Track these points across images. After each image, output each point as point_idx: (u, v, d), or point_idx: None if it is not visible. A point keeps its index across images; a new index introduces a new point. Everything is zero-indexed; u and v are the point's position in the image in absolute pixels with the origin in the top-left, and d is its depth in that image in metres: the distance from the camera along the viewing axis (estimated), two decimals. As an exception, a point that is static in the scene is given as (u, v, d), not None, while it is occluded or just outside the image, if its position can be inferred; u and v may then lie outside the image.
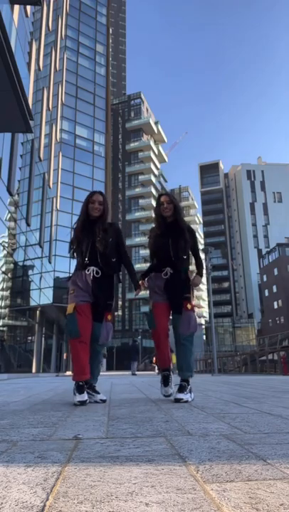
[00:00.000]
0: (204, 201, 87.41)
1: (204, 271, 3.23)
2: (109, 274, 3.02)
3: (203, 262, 3.48)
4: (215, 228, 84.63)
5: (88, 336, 2.86)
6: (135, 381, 7.30)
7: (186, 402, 2.84)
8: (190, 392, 2.95)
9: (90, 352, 2.91)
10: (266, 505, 0.80)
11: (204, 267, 3.50)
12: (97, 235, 2.96)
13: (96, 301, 2.96)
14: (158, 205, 3.22)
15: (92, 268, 2.95)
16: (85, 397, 2.71)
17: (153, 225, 3.38)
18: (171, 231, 3.14)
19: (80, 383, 2.78)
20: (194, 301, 3.26)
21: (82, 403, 2.67)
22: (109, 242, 2.98)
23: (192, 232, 3.23)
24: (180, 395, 2.85)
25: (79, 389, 2.76)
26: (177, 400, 2.82)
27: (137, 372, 18.74)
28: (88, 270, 2.95)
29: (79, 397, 2.71)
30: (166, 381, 3.11)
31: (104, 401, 2.90)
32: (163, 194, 3.25)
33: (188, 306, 3.07)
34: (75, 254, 3.06)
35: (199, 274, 3.24)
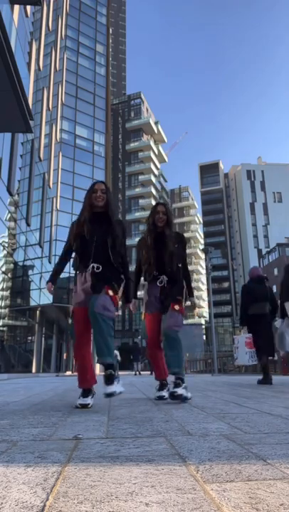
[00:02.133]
0: (204, 201, 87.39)
1: (204, 271, 3.23)
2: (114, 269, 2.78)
3: (203, 262, 3.51)
4: (215, 228, 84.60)
5: (87, 341, 2.78)
6: (135, 381, 7.30)
7: (182, 396, 2.78)
8: (185, 389, 2.90)
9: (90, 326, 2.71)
10: (266, 505, 0.80)
11: (191, 280, 3.44)
12: (109, 229, 2.77)
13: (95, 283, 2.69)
14: (153, 213, 3.25)
15: (92, 265, 2.72)
16: (87, 400, 2.62)
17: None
18: (160, 241, 3.17)
19: (86, 389, 2.70)
20: (183, 307, 3.20)
21: (84, 406, 2.58)
22: (121, 239, 2.81)
23: (181, 241, 3.28)
24: (175, 389, 2.81)
25: (84, 393, 2.69)
26: (172, 394, 2.77)
27: (142, 372, 18.95)
28: (89, 268, 2.72)
29: (81, 400, 2.61)
30: (161, 387, 3.18)
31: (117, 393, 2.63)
32: (160, 204, 3.32)
33: (176, 307, 3.08)
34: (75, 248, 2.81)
35: (189, 292, 3.25)
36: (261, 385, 5.11)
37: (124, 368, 28.73)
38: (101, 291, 2.61)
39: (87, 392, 2.68)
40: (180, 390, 2.80)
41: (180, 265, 3.19)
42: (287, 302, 5.41)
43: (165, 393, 3.10)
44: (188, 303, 3.30)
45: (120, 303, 2.87)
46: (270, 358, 5.66)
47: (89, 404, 2.60)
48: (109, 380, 2.45)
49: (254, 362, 5.37)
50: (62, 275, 3.18)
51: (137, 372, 19.00)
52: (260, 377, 5.71)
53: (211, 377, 10.40)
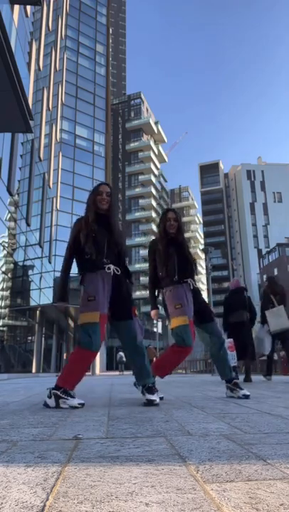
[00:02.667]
0: (204, 201, 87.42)
1: (204, 271, 3.30)
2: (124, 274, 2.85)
3: (203, 262, 3.56)
4: (215, 228, 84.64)
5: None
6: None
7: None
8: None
9: (133, 354, 2.76)
10: (266, 505, 0.80)
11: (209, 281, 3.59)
12: (114, 232, 2.78)
13: (119, 297, 2.72)
14: (164, 220, 3.25)
15: (112, 267, 2.70)
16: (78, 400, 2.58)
17: (153, 237, 3.49)
18: (173, 246, 3.19)
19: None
20: None
21: (83, 405, 2.56)
22: (124, 240, 2.90)
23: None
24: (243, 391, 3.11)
25: (72, 393, 2.61)
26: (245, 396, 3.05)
27: (125, 373, 19.29)
28: (109, 269, 2.68)
29: (77, 400, 2.57)
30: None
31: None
32: (170, 210, 3.32)
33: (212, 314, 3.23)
34: (87, 251, 2.68)
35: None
36: (261, 385, 5.12)
37: (124, 367, 28.78)
38: (132, 315, 2.72)
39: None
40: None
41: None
42: (267, 310, 6.18)
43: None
44: None
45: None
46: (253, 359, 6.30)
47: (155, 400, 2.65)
48: (151, 390, 2.68)
49: (234, 363, 5.99)
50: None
51: None
52: (261, 377, 5.98)
53: (211, 377, 10.41)
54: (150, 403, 2.60)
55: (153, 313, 3.37)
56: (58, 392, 2.54)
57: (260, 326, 6.34)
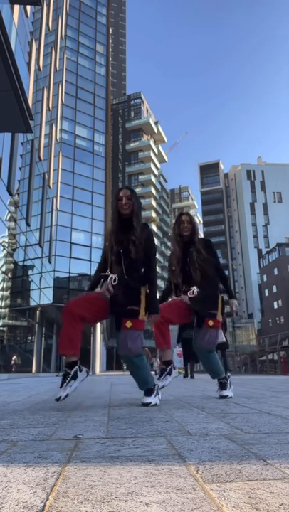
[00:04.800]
0: (204, 201, 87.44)
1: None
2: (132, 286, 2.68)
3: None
4: (215, 228, 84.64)
5: (77, 315, 2.55)
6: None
7: (228, 396, 3.12)
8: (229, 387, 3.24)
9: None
10: (266, 505, 0.80)
11: (229, 282, 3.47)
12: (129, 240, 2.67)
13: (113, 306, 2.69)
14: (178, 223, 3.25)
15: (112, 276, 2.70)
16: (61, 392, 2.50)
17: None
18: (187, 249, 3.18)
19: (64, 373, 2.58)
20: (219, 318, 3.19)
21: (58, 399, 2.49)
22: (139, 249, 2.67)
23: (209, 246, 3.27)
24: (222, 391, 3.19)
25: (62, 378, 2.56)
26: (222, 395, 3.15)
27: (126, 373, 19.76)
28: (107, 281, 2.71)
29: (60, 392, 2.51)
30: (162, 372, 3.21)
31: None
32: (184, 213, 3.32)
33: (210, 322, 3.11)
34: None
35: (229, 295, 3.33)
36: (261, 385, 5.14)
37: (124, 368, 28.81)
38: (121, 326, 2.63)
39: (64, 376, 2.56)
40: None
41: (212, 272, 3.16)
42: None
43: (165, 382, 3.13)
44: (231, 305, 3.37)
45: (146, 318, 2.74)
46: (270, 357, 8.16)
47: (60, 396, 2.50)
48: (148, 392, 2.69)
49: (181, 365, 8.30)
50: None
51: None
52: (261, 377, 6.22)
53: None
54: (145, 405, 2.60)
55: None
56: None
57: None
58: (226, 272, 76.03)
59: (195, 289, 3.12)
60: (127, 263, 2.67)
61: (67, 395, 2.52)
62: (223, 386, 3.20)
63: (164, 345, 3.10)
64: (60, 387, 2.55)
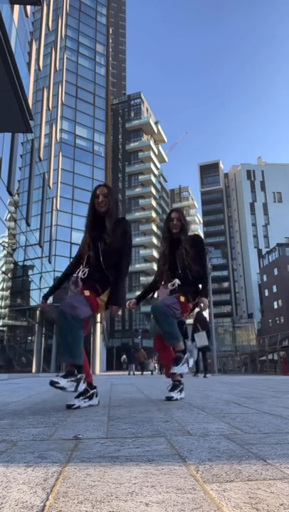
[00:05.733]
0: (204, 201, 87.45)
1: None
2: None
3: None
4: (215, 228, 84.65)
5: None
6: (135, 381, 7.31)
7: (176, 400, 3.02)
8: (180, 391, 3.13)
9: None
10: (266, 505, 0.80)
11: (208, 281, 3.32)
12: (101, 238, 2.68)
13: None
14: (167, 220, 3.31)
15: (82, 269, 2.69)
16: (57, 379, 2.42)
17: (153, 237, 3.50)
18: (175, 245, 3.21)
19: (85, 389, 2.61)
20: (190, 306, 3.16)
21: (51, 383, 2.41)
22: (113, 245, 2.65)
23: (198, 242, 3.25)
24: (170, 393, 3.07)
25: (81, 393, 2.61)
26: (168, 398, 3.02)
27: (136, 373, 20.40)
28: (79, 272, 2.69)
29: (54, 377, 2.47)
30: (173, 387, 3.13)
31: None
32: (174, 210, 3.36)
33: (182, 298, 3.07)
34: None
35: (202, 294, 3.15)
36: (261, 385, 5.14)
37: (124, 368, 28.78)
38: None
39: (81, 392, 2.58)
40: (175, 395, 2.83)
41: (195, 268, 3.12)
42: (195, 333, 9.93)
43: (175, 395, 3.04)
44: (200, 302, 3.17)
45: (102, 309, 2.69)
46: (270, 357, 8.44)
47: (73, 405, 2.54)
48: (65, 375, 2.44)
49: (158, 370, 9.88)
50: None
51: (131, 373, 20.43)
52: (261, 377, 6.25)
53: (211, 377, 10.41)
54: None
55: (132, 302, 3.45)
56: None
57: (190, 342, 9.94)
58: (226, 272, 75.54)
59: (177, 281, 3.12)
60: (100, 259, 2.66)
61: (78, 407, 2.57)
62: (173, 388, 3.09)
63: (170, 360, 3.15)
64: (75, 397, 2.61)
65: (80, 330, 2.48)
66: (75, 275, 2.70)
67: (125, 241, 2.72)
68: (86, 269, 2.67)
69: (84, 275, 2.65)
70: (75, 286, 2.66)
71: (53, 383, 2.37)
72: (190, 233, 3.33)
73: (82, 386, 2.53)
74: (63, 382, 2.39)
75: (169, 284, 3.13)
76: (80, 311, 2.48)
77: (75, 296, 2.58)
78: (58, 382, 2.37)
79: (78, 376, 2.46)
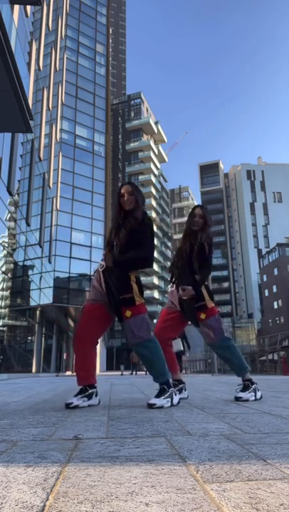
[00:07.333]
0: (204, 201, 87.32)
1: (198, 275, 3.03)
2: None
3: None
4: (215, 228, 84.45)
5: (90, 337, 2.63)
6: (135, 381, 7.31)
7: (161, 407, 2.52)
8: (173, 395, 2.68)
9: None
10: (266, 505, 0.80)
11: (205, 274, 3.10)
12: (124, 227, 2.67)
13: (108, 298, 2.64)
14: (191, 217, 3.14)
15: (101, 263, 2.73)
16: (71, 400, 2.58)
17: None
18: (195, 243, 3.08)
19: (83, 388, 2.64)
20: (211, 304, 3.05)
21: (66, 405, 2.56)
22: (125, 236, 2.63)
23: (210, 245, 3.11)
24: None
25: (80, 390, 2.65)
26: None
27: (124, 373, 21.23)
28: (97, 268, 2.76)
29: (69, 399, 2.63)
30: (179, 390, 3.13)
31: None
32: (198, 206, 3.21)
33: (202, 315, 3.03)
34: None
35: (194, 284, 2.98)
36: (261, 385, 5.16)
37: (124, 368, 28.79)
38: (121, 318, 2.59)
39: (79, 390, 2.66)
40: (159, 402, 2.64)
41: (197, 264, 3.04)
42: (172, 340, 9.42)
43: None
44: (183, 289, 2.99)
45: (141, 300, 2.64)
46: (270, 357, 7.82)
47: (72, 403, 2.56)
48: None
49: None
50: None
51: (134, 373, 21.00)
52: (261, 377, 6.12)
53: (211, 377, 10.40)
54: (149, 406, 2.50)
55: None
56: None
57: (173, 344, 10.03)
58: (226, 272, 75.57)
59: (188, 292, 2.95)
60: (118, 250, 2.65)
61: (77, 406, 2.57)
62: (245, 388, 2.97)
63: (174, 368, 3.12)
64: (75, 396, 2.65)
65: (157, 345, 2.62)
66: (97, 268, 2.74)
67: (145, 228, 2.69)
68: (102, 262, 2.72)
69: (101, 268, 2.69)
70: (97, 280, 2.72)
71: (67, 405, 2.56)
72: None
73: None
74: (75, 400, 2.59)
75: (180, 290, 2.98)
76: (144, 331, 2.57)
77: (129, 325, 2.57)
78: (71, 403, 2.56)
79: (89, 391, 2.64)
